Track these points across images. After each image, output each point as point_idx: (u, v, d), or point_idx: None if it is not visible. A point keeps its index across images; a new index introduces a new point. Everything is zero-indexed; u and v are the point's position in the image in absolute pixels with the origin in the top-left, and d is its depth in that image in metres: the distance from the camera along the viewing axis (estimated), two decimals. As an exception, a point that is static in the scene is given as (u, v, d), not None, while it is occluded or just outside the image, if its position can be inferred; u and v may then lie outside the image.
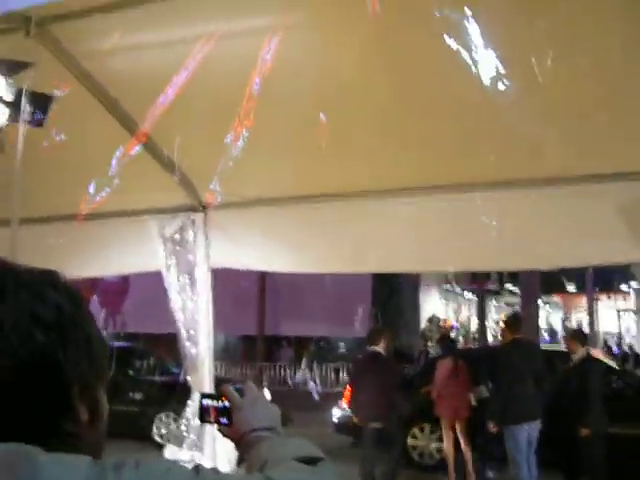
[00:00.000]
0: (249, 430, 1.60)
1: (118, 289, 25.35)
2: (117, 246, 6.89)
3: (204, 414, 1.77)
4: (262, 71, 3.74)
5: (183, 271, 6.57)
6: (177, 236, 6.52)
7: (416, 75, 4.26)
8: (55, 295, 1.16)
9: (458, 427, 9.88)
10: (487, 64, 3.59)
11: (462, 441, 9.89)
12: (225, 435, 1.71)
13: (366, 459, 9.45)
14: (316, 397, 16.16)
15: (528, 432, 7.97)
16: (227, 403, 1.71)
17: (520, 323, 8.89)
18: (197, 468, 1.09)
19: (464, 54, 3.58)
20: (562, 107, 4.21)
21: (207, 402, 1.77)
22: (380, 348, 9.59)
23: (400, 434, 9.92)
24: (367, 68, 4.23)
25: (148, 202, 6.23)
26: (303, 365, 23.66)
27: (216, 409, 1.74)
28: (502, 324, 9.21)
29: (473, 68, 3.63)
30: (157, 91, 4.07)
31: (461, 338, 34.02)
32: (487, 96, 3.85)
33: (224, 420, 1.71)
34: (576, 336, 9.21)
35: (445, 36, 3.53)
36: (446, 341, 11.91)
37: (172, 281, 6.61)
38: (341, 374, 23.22)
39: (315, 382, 21.66)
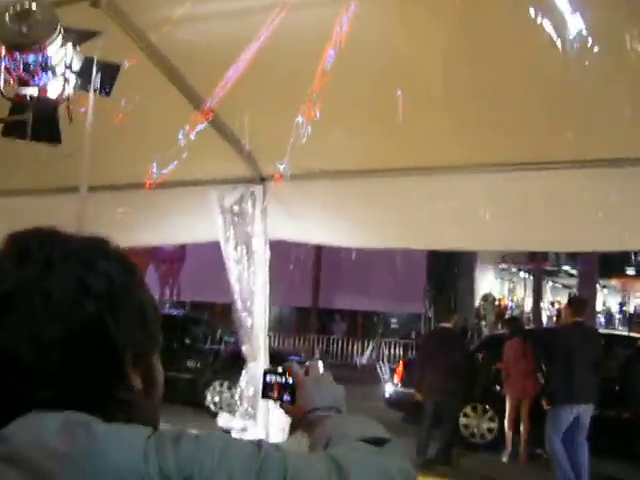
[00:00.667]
0: (312, 409, 1.56)
1: (175, 258, 25.73)
2: (178, 215, 6.96)
3: (267, 389, 1.73)
4: (335, 45, 3.71)
5: (241, 242, 6.62)
6: (236, 207, 6.57)
7: (492, 53, 4.19)
8: (105, 263, 1.15)
9: (523, 406, 9.88)
10: (573, 39, 3.49)
11: (524, 420, 9.88)
12: (287, 412, 1.68)
13: (423, 434, 9.52)
14: (384, 376, 16.15)
15: (578, 415, 7.91)
16: (291, 380, 1.68)
17: (584, 306, 8.74)
18: (259, 444, 1.07)
19: (549, 28, 3.49)
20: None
21: (271, 378, 1.73)
22: (450, 325, 9.72)
23: (456, 412, 9.93)
24: (440, 45, 4.17)
25: (209, 173, 6.28)
26: (372, 344, 23.61)
27: (279, 385, 1.70)
28: (564, 305, 9.10)
29: (558, 43, 3.53)
30: (223, 64, 4.08)
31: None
32: (569, 74, 3.77)
33: (287, 397, 1.67)
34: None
35: (530, 9, 3.44)
36: (514, 322, 11.93)
37: (230, 252, 6.67)
38: (393, 350, 23.20)
39: (383, 362, 21.63)
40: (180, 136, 4.45)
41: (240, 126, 4.99)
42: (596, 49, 3.50)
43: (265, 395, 1.73)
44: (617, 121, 4.29)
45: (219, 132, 5.36)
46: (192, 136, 4.45)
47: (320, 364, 1.73)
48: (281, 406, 1.70)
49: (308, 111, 4.12)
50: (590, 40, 3.48)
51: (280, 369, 1.72)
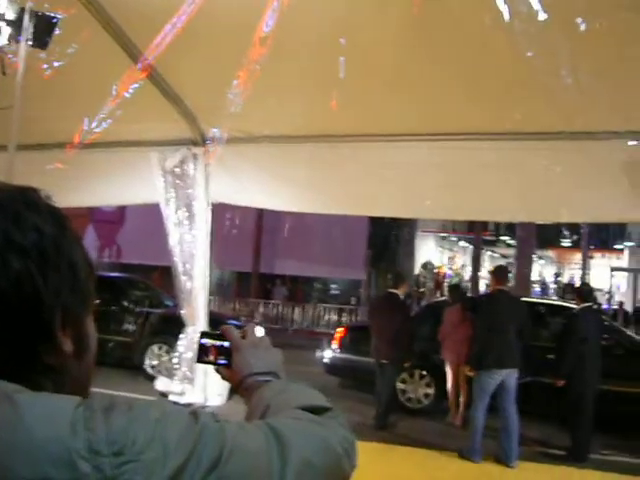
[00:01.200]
0: (249, 373, 1.51)
1: (114, 219, 25.35)
2: (116, 177, 6.82)
3: (202, 353, 1.67)
4: (277, 8, 3.62)
5: (182, 205, 6.53)
6: (177, 169, 6.46)
7: (441, 25, 4.15)
8: (33, 216, 1.04)
9: (461, 372, 10.04)
10: (523, 11, 3.47)
11: (461, 385, 10.05)
12: (223, 377, 1.59)
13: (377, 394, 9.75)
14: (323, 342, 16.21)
15: (503, 380, 8.13)
16: (227, 343, 1.63)
17: (506, 275, 8.95)
18: (195, 414, 1.00)
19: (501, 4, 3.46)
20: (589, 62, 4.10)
21: (206, 341, 1.67)
22: (398, 291, 9.81)
23: (394, 377, 10.04)
24: (387, 14, 4.12)
25: (149, 133, 6.15)
26: (310, 310, 23.68)
27: (215, 349, 1.64)
28: (489, 274, 9.33)
29: (506, 15, 3.51)
30: (164, 20, 3.95)
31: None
32: (516, 48, 3.76)
33: (223, 361, 1.62)
34: (581, 291, 9.28)
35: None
36: (454, 289, 12.08)
37: (170, 214, 6.57)
38: (333, 315, 23.35)
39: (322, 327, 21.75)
40: (115, 90, 4.29)
41: (182, 86, 4.88)
42: (543, 20, 3.49)
43: (200, 359, 1.67)
44: (560, 95, 4.31)
45: (160, 90, 5.22)
46: (128, 93, 4.30)
47: (259, 329, 1.68)
48: (217, 370, 1.64)
49: (251, 73, 4.02)
50: (539, 13, 3.48)
51: (217, 332, 1.66)
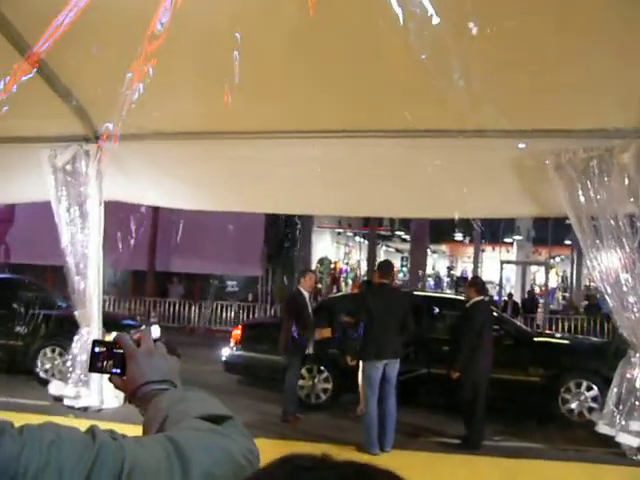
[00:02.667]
0: (144, 382, 1.47)
1: (2, 218, 24.45)
2: (5, 174, 6.60)
3: (95, 362, 1.62)
4: (171, 3, 3.57)
5: (74, 203, 6.38)
6: (69, 167, 6.31)
7: (334, 22, 4.19)
8: None
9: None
10: (415, 14, 3.54)
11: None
12: (117, 386, 1.55)
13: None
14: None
15: (385, 370, 8.37)
16: (120, 351, 1.60)
17: (389, 269, 9.22)
18: (92, 432, 0.98)
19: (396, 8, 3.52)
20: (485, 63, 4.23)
21: (99, 349, 1.62)
22: (303, 288, 9.88)
23: (296, 373, 10.09)
24: (276, 14, 4.13)
25: (39, 129, 5.98)
26: (204, 308, 23.40)
27: (108, 357, 1.60)
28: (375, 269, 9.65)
29: (400, 18, 3.57)
30: (55, 14, 3.84)
31: (350, 281, 34.55)
32: (406, 45, 3.83)
33: (116, 370, 1.58)
34: (473, 284, 9.54)
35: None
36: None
37: (62, 213, 6.41)
38: (231, 313, 23.22)
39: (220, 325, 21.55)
40: (1, 84, 4.13)
41: (73, 81, 4.76)
42: (436, 23, 3.58)
43: (93, 368, 1.62)
44: (452, 95, 4.43)
45: (50, 86, 5.08)
46: (16, 83, 4.15)
47: (156, 328, 1.65)
48: (110, 380, 1.59)
49: (144, 69, 3.96)
50: (433, 17, 3.56)
51: (109, 341, 1.61)
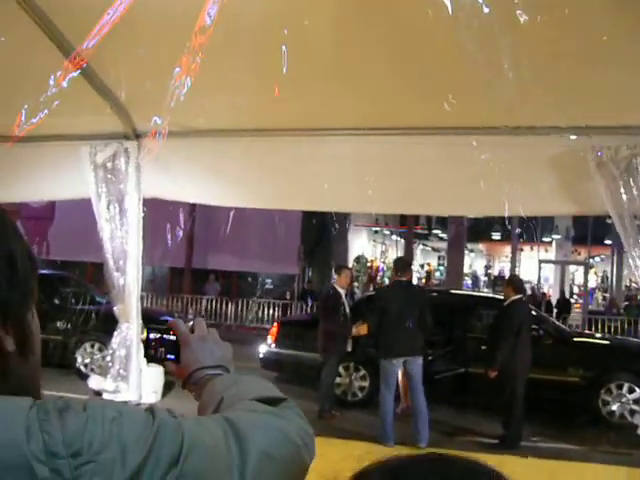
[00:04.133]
0: (198, 367, 1.48)
1: (44, 215, 24.79)
2: (46, 171, 6.68)
3: (150, 349, 1.65)
4: (216, 1, 3.57)
5: (113, 200, 6.43)
6: (109, 164, 6.36)
7: (379, 20, 4.16)
8: None
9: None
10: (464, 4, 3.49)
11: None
12: (171, 372, 1.57)
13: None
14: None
15: (406, 367, 8.48)
16: (173, 338, 1.60)
17: (406, 266, 9.32)
18: (152, 411, 0.98)
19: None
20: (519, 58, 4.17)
21: (154, 336, 1.65)
22: (338, 285, 9.90)
23: (333, 370, 10.09)
24: (329, 10, 4.11)
25: (80, 127, 6.03)
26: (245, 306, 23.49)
27: (163, 344, 1.62)
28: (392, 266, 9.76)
29: (449, 8, 3.53)
30: (97, 13, 3.86)
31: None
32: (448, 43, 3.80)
33: (171, 356, 1.60)
34: (511, 283, 9.48)
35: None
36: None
37: (102, 210, 6.47)
38: (268, 310, 23.30)
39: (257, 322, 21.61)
40: (51, 82, 4.17)
41: (114, 78, 4.79)
42: (486, 12, 3.53)
43: (148, 355, 1.65)
44: (494, 90, 4.38)
45: (91, 84, 5.12)
46: (64, 84, 4.19)
47: (202, 322, 1.66)
48: (165, 365, 1.61)
49: (186, 66, 3.96)
50: (480, 5, 3.51)
51: (163, 327, 1.63)
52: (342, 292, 10.00)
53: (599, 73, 4.41)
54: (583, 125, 4.97)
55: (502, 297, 9.89)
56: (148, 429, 0.94)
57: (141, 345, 6.46)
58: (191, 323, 1.62)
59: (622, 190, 5.07)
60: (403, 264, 9.32)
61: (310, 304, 22.57)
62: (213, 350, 1.54)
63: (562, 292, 28.35)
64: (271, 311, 23.14)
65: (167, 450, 0.93)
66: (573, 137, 5.03)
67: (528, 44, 4.01)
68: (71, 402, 0.92)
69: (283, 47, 3.96)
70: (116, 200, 6.40)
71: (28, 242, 1.10)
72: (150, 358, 1.68)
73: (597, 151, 5.08)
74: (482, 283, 43.72)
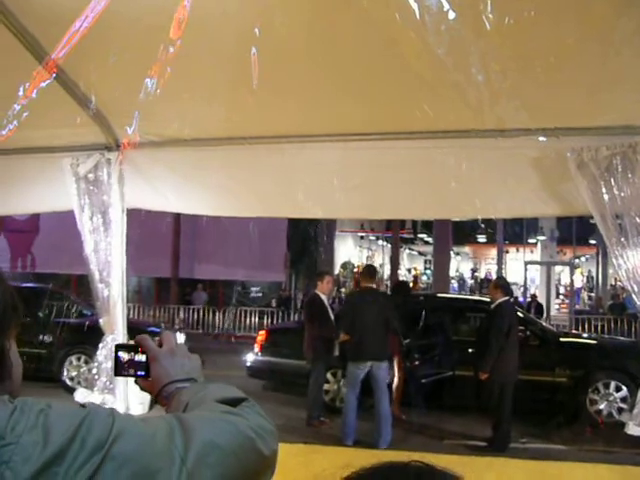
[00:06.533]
0: (168, 381, 1.51)
1: (28, 228, 24.66)
2: (27, 184, 6.64)
3: (119, 367, 1.64)
4: (189, 5, 3.57)
5: (97, 211, 6.40)
6: (91, 175, 6.33)
7: (352, 26, 4.17)
8: None
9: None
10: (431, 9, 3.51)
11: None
12: (143, 388, 1.60)
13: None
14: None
15: (372, 372, 8.64)
16: (143, 356, 1.58)
17: (373, 274, 9.57)
18: (112, 411, 1.07)
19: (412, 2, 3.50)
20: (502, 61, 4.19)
21: (122, 354, 1.64)
22: (320, 291, 9.97)
23: (320, 377, 10.10)
24: (303, 16, 4.11)
25: (61, 138, 6.00)
26: (228, 314, 23.47)
27: (132, 361, 1.62)
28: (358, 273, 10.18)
29: (417, 14, 3.54)
30: (72, 17, 3.82)
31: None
32: (424, 47, 3.80)
33: (141, 372, 1.59)
34: (498, 285, 9.52)
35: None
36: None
37: (85, 221, 6.43)
38: (255, 318, 23.26)
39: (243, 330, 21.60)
40: (21, 92, 4.12)
41: (95, 89, 4.76)
42: (453, 17, 3.55)
43: (118, 372, 1.64)
44: (468, 94, 4.40)
45: (69, 93, 5.08)
46: (35, 91, 4.14)
47: (176, 335, 1.66)
48: (136, 382, 1.61)
49: (159, 73, 3.94)
50: (449, 11, 3.53)
51: (131, 344, 1.63)
52: (324, 298, 10.04)
53: (570, 75, 4.44)
54: (553, 127, 5.01)
55: (489, 299, 9.92)
56: (75, 417, 1.02)
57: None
58: (160, 335, 1.63)
59: (603, 190, 5.10)
60: (370, 271, 9.62)
61: (292, 311, 22.65)
62: (183, 363, 1.57)
63: (533, 296, 28.01)
64: (259, 319, 23.10)
65: (94, 435, 1.00)
66: (542, 139, 5.07)
67: (497, 47, 4.03)
68: (39, 401, 1.03)
69: (253, 52, 3.95)
70: (99, 211, 6.37)
71: (12, 289, 1.19)
72: (121, 374, 1.66)
73: (577, 152, 5.11)
74: (469, 286, 43.86)
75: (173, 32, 3.66)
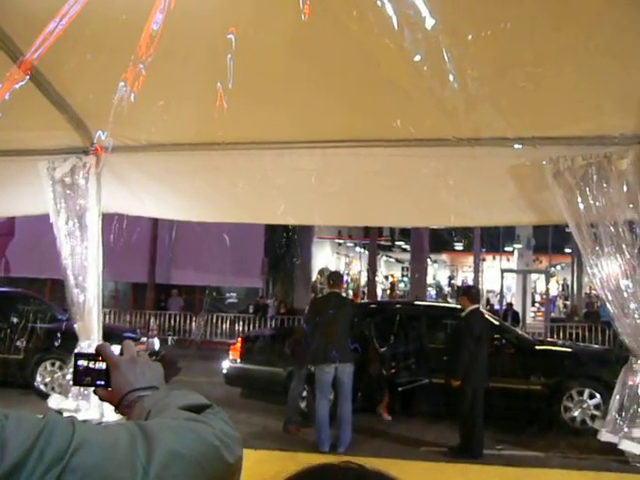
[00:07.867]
0: (129, 390, 1.47)
1: (3, 232, 24.46)
2: (2, 187, 6.59)
3: (78, 375, 1.59)
4: (165, 7, 3.55)
5: (72, 216, 6.35)
6: (67, 179, 6.28)
7: (333, 37, 4.18)
8: None
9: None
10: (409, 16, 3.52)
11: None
12: (102, 398, 1.56)
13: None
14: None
15: (337, 374, 8.77)
16: (103, 364, 1.55)
17: (338, 279, 9.75)
18: (72, 420, 1.04)
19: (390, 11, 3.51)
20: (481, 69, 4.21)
21: (82, 363, 1.59)
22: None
23: (300, 382, 10.12)
24: (271, 23, 4.12)
25: (37, 142, 5.96)
26: (200, 320, 23.36)
27: (92, 370, 1.57)
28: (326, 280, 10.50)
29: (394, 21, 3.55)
30: (48, 17, 3.77)
31: (351, 292, 34.55)
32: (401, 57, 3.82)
33: (100, 381, 1.55)
34: (467, 293, 9.57)
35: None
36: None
37: (61, 226, 6.38)
38: (231, 325, 23.18)
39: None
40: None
41: (68, 90, 4.73)
42: (431, 26, 3.57)
43: (77, 381, 1.60)
44: (445, 102, 4.43)
45: (46, 95, 5.04)
46: (9, 92, 4.08)
47: (152, 341, 1.64)
48: (95, 392, 1.58)
49: (136, 76, 3.91)
50: (427, 19, 3.55)
51: (92, 352, 1.59)
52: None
53: (547, 85, 4.48)
54: (530, 136, 5.05)
55: (460, 307, 9.97)
56: (33, 428, 0.98)
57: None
58: (122, 345, 1.61)
59: (579, 199, 5.14)
60: (335, 277, 9.81)
61: (268, 318, 22.63)
62: (144, 371, 1.54)
63: (509, 304, 28.02)
64: (234, 325, 23.01)
65: (53, 446, 0.96)
66: (518, 147, 5.11)
67: (474, 56, 4.06)
68: None
69: (228, 58, 3.95)
70: (75, 215, 6.33)
71: None
72: (80, 384, 1.63)
73: (553, 162, 5.15)
74: (446, 293, 43.98)
75: (144, 49, 3.63)
